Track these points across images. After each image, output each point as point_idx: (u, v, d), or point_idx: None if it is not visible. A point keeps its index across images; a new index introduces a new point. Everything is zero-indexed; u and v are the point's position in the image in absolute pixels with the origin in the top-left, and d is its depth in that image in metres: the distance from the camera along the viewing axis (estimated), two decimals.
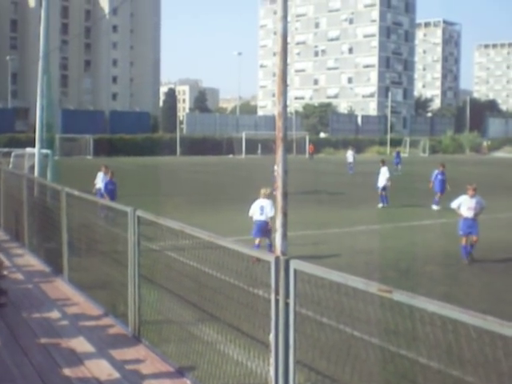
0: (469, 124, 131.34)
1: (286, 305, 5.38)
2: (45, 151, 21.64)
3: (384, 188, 28.97)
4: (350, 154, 54.38)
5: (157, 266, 8.90)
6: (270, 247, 15.27)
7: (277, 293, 5.44)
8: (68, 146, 75.43)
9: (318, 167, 61.32)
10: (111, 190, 21.57)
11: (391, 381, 6.51)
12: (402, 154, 61.04)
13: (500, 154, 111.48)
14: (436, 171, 29.06)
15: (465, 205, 16.83)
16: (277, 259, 5.46)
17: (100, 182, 23.05)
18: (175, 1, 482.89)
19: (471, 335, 4.32)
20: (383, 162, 30.40)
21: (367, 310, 5.20)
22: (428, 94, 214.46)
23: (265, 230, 15.97)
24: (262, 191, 16.36)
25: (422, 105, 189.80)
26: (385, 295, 4.44)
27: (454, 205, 17.18)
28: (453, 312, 4.04)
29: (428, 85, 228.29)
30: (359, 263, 15.57)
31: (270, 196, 15.78)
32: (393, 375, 6.67)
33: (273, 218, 14.99)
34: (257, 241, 15.93)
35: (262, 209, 16.08)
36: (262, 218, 16.05)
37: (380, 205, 28.44)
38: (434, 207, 27.29)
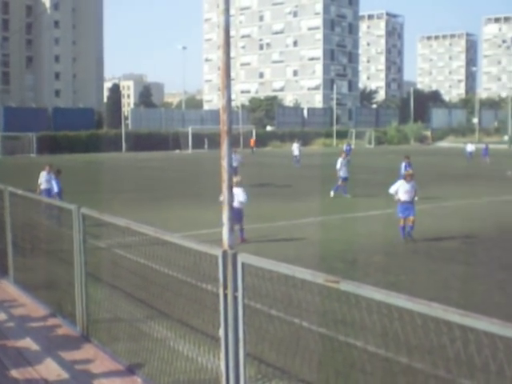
0: (413, 115, 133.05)
1: (235, 298, 5.38)
2: None
3: (346, 178, 29.74)
4: (295, 147, 54.15)
5: (104, 264, 8.82)
6: (242, 233, 17.29)
7: (225, 287, 5.44)
8: (10, 145, 74.20)
9: (264, 160, 61.42)
10: (58, 191, 21.28)
11: (340, 370, 6.56)
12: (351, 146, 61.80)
13: (444, 143, 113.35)
14: (403, 163, 29.24)
15: (402, 189, 18.45)
16: (224, 253, 5.45)
17: (44, 181, 22.33)
18: None
19: (417, 322, 4.38)
20: (345, 154, 31.26)
21: (315, 301, 5.23)
22: (373, 85, 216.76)
23: (238, 216, 16.58)
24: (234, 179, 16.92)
25: (366, 96, 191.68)
26: (332, 285, 4.48)
27: (391, 190, 18.86)
28: (398, 300, 4.09)
29: (372, 77, 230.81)
30: (307, 255, 15.67)
31: (239, 184, 17.55)
32: (342, 365, 6.72)
33: (244, 204, 17.24)
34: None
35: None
36: (236, 205, 16.43)
37: (332, 193, 29.17)
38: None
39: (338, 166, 30.03)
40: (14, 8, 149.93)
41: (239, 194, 17.12)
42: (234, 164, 35.83)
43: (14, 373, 6.97)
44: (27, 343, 8.01)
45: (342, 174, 29.83)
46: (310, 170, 46.17)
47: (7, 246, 11.37)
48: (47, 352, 7.70)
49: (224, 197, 5.78)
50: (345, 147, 56.02)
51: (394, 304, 4.15)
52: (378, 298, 4.24)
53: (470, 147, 62.63)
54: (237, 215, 16.41)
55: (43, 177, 22.52)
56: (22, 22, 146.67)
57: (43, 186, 22.32)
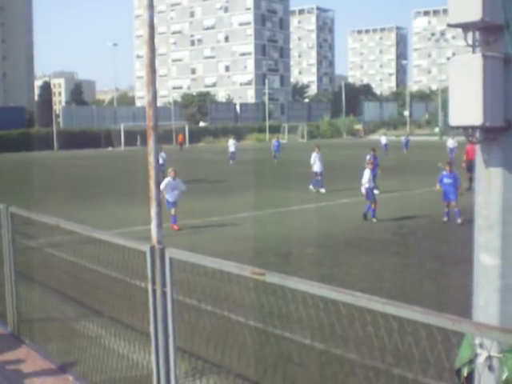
0: (345, 108, 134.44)
1: (164, 294, 5.40)
2: None
3: (321, 173, 29.62)
4: (231, 143, 53.36)
5: (34, 263, 8.74)
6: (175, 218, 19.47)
7: (153, 283, 5.47)
8: None
9: (196, 156, 61.30)
10: None
11: (270, 362, 6.67)
12: (281, 141, 61.62)
13: (376, 136, 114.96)
14: (368, 155, 28.45)
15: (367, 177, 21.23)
16: (152, 248, 5.47)
17: None
18: None
19: (342, 312, 4.49)
20: (318, 148, 31.01)
21: (242, 293, 5.30)
22: (304, 80, 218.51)
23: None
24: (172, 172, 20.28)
25: (298, 91, 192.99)
26: (258, 278, 4.54)
27: (363, 180, 21.31)
28: (322, 290, 4.17)
29: (304, 71, 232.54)
30: (241, 250, 15.76)
31: (177, 175, 20.24)
32: (272, 356, 6.83)
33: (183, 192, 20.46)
34: (172, 211, 19.51)
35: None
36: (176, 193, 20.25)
37: (311, 187, 29.22)
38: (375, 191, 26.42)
39: (312, 160, 30.05)
40: None
41: (180, 184, 20.33)
42: (160, 161, 35.61)
43: None
44: None
45: (316, 168, 29.69)
46: (244, 165, 46.28)
47: None
48: None
49: (151, 192, 5.80)
50: (274, 142, 55.23)
51: (318, 294, 4.22)
52: (303, 289, 4.31)
53: (384, 139, 63.66)
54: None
55: None
56: None
57: None
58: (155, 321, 5.53)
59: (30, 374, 7.13)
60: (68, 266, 7.65)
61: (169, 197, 19.63)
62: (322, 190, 28.74)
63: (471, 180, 29.12)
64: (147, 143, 6.13)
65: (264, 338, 6.87)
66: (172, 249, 5.36)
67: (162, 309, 5.43)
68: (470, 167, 29.82)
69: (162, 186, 19.02)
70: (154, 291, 5.47)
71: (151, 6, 6.11)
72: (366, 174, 21.30)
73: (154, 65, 6.00)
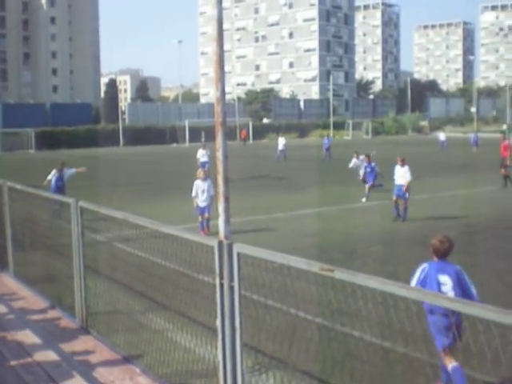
0: (410, 105, 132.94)
1: (231, 288, 5.43)
2: None
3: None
4: (280, 141, 51.69)
5: (103, 257, 8.88)
6: (208, 222, 17.57)
7: (221, 277, 5.49)
8: (9, 141, 74.16)
9: (259, 153, 61.36)
10: (59, 187, 20.71)
11: (337, 359, 6.63)
12: (345, 137, 61.06)
13: (438, 133, 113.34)
14: (364, 163, 26.19)
15: (397, 173, 20.66)
16: (220, 243, 5.50)
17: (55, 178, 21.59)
18: None
19: (411, 309, 4.44)
20: (369, 157, 26.54)
21: (311, 290, 5.29)
22: (369, 76, 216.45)
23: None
24: (202, 174, 18.35)
25: (363, 87, 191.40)
26: (327, 274, 4.52)
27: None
28: (393, 287, 4.13)
29: (369, 67, 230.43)
30: (305, 246, 15.73)
31: (207, 177, 18.13)
32: (338, 353, 6.79)
33: (214, 197, 16.89)
34: (200, 218, 17.82)
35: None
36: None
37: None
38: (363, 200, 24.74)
39: (361, 171, 26.84)
40: (10, 5, 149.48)
41: (210, 188, 17.71)
42: (204, 159, 35.53)
43: (15, 364, 7.04)
44: (27, 335, 8.08)
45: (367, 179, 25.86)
46: (301, 163, 46.15)
47: (7, 241, 11.43)
48: (47, 343, 7.77)
49: (219, 188, 5.83)
50: (324, 140, 53.47)
51: (388, 291, 4.17)
52: (373, 286, 4.27)
53: (442, 136, 62.56)
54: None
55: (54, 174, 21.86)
56: (19, 18, 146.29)
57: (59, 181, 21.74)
58: (222, 315, 5.56)
59: (97, 365, 7.26)
60: (135, 260, 7.75)
61: (199, 201, 17.88)
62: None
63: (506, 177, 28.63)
64: (215, 139, 6.16)
65: (331, 334, 6.85)
66: (240, 244, 5.38)
67: (230, 303, 5.46)
68: (503, 164, 29.30)
69: (193, 192, 17.95)
70: (222, 286, 5.49)
71: (219, 3, 6.14)
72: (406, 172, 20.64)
73: (223, 62, 6.04)
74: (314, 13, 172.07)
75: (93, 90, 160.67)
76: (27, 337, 8.00)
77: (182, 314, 7.16)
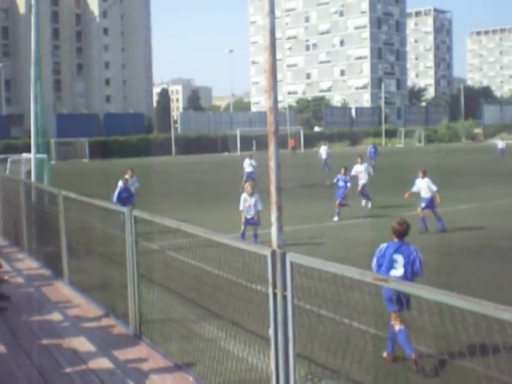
0: (464, 112, 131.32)
1: (284, 298, 5.41)
2: (41, 156, 21.67)
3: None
4: (323, 150, 50.25)
5: (156, 265, 8.94)
6: (256, 238, 16.94)
7: (274, 286, 5.48)
8: (64, 150, 75.40)
9: (310, 161, 61.13)
10: (125, 198, 19.61)
11: (390, 369, 6.56)
12: (397, 145, 60.46)
13: (496, 140, 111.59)
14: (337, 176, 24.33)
15: (418, 186, 20.35)
16: (273, 253, 5.50)
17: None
18: (164, 1, 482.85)
19: (468, 321, 4.36)
20: (361, 158, 27.36)
21: (364, 300, 5.24)
22: (421, 83, 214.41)
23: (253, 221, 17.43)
24: (249, 187, 17.85)
25: (415, 94, 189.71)
26: (380, 284, 4.48)
27: (414, 189, 20.58)
28: (448, 298, 4.07)
29: (421, 74, 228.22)
30: (356, 255, 15.58)
31: (254, 191, 17.60)
32: (392, 364, 6.72)
33: (260, 211, 17.01)
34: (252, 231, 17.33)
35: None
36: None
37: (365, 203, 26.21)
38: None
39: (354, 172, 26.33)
40: (64, 17, 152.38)
41: (257, 203, 17.33)
42: (250, 169, 35.25)
43: (69, 371, 7.13)
44: (82, 342, 8.17)
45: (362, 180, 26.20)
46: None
47: (62, 249, 11.61)
48: (101, 351, 7.85)
49: (272, 197, 5.83)
50: (370, 148, 52.05)
51: (443, 302, 4.11)
52: (427, 296, 4.22)
53: (501, 144, 61.40)
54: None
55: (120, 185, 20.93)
56: (72, 30, 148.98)
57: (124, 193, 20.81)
58: (275, 325, 5.55)
59: (150, 373, 7.31)
60: (188, 269, 7.79)
61: (247, 215, 17.46)
62: (369, 205, 25.87)
63: None
64: (267, 148, 6.17)
65: (384, 345, 6.77)
66: (293, 253, 5.37)
67: (283, 313, 5.44)
68: None
69: (241, 206, 17.53)
70: (275, 295, 5.48)
71: (272, 13, 6.15)
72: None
73: (275, 71, 6.04)
74: (365, 20, 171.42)
75: (145, 99, 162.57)
76: (82, 344, 8.10)
77: (234, 323, 7.17)
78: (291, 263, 5.32)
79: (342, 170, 23.74)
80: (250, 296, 6.44)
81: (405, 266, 8.55)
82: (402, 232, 9.01)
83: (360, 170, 26.46)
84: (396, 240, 8.98)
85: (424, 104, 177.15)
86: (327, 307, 5.55)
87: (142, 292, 8.66)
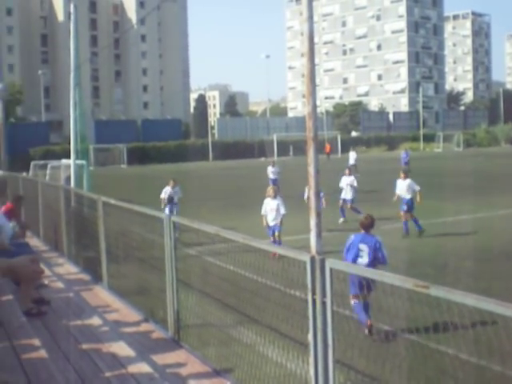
0: (503, 116, 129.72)
1: (323, 304, 5.39)
2: (80, 162, 21.91)
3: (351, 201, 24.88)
4: (351, 156, 49.66)
5: (194, 271, 8.97)
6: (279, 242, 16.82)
7: (313, 292, 5.46)
8: (102, 156, 76.20)
9: (342, 166, 60.73)
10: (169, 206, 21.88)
11: (431, 377, 6.48)
12: (435, 149, 60.01)
13: None
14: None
15: (399, 187, 20.96)
16: (312, 259, 5.48)
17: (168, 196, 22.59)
18: (201, 7, 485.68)
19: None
20: (350, 170, 26.37)
21: (405, 306, 5.20)
22: (460, 87, 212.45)
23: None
24: (271, 191, 17.65)
25: (454, 98, 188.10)
26: (421, 291, 4.44)
27: (397, 190, 21.10)
28: (490, 305, 4.00)
29: (459, 78, 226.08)
30: (396, 260, 15.39)
31: (277, 195, 17.45)
32: (432, 371, 6.64)
33: (285, 216, 17.10)
34: (272, 238, 17.10)
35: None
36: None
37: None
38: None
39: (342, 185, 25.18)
40: (102, 24, 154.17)
41: (280, 206, 17.16)
42: (274, 176, 35.43)
43: (109, 375, 7.18)
44: (121, 347, 8.22)
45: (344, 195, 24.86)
46: (392, 175, 45.46)
47: (101, 254, 11.70)
48: (140, 355, 7.89)
49: (311, 203, 5.81)
50: (402, 154, 51.68)
51: (485, 309, 4.05)
52: (470, 304, 4.15)
53: None
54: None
55: (167, 192, 22.70)
56: (110, 37, 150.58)
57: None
58: (314, 331, 5.52)
59: (189, 378, 7.32)
60: (226, 274, 7.80)
61: (269, 220, 17.19)
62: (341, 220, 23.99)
63: None
64: (305, 153, 6.16)
65: (425, 352, 6.70)
66: (332, 259, 5.35)
67: (322, 319, 5.42)
68: None
69: (263, 210, 17.32)
70: (314, 301, 5.46)
71: (311, 18, 6.14)
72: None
73: (314, 76, 6.02)
74: (402, 24, 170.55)
75: (182, 105, 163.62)
76: (121, 349, 8.14)
77: (272, 328, 7.15)
78: (330, 269, 5.30)
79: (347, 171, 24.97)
80: (288, 301, 6.43)
81: (369, 254, 10.32)
82: (367, 224, 10.87)
83: (347, 183, 25.06)
84: (362, 232, 10.79)
85: (462, 108, 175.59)
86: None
87: (181, 297, 8.69)
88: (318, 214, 5.89)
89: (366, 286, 6.52)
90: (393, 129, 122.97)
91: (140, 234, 10.40)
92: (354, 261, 9.98)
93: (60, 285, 12.17)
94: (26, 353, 7.41)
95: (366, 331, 8.73)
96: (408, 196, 20.37)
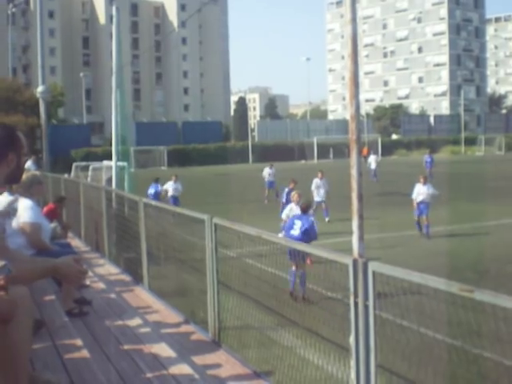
0: None
1: (366, 307, 5.35)
2: (121, 164, 22.10)
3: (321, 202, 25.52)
4: (372, 159, 48.55)
5: (234, 272, 8.98)
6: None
7: (355, 295, 5.43)
8: (143, 158, 76.73)
9: (387, 169, 60.47)
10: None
11: (474, 383, 6.41)
12: (477, 153, 59.32)
13: None
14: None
15: (417, 192, 21.53)
16: (355, 261, 5.44)
17: (171, 189, 26.58)
18: (242, 10, 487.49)
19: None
20: (322, 173, 26.61)
21: (448, 310, 5.14)
22: (502, 90, 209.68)
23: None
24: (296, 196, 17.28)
25: (495, 102, 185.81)
26: (466, 295, 4.38)
27: (414, 195, 21.71)
28: None
29: (501, 81, 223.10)
30: (438, 265, 15.35)
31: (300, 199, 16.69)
32: (476, 377, 6.56)
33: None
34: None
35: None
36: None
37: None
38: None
39: (313, 187, 25.91)
40: (143, 27, 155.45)
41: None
42: (271, 179, 34.74)
43: (150, 376, 7.21)
44: (162, 348, 8.24)
45: (316, 197, 25.58)
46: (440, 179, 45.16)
47: (142, 255, 11.77)
48: (180, 356, 7.90)
49: (353, 205, 5.78)
50: (426, 158, 51.03)
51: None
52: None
53: None
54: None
55: (170, 185, 26.94)
56: (151, 40, 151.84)
57: (170, 193, 26.63)
58: (356, 334, 5.49)
59: (229, 379, 7.32)
60: (267, 276, 7.80)
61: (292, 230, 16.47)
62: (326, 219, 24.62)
63: None
64: (345, 156, 6.13)
65: (469, 358, 6.62)
66: (375, 262, 5.31)
67: (364, 323, 5.38)
68: None
69: (284, 215, 16.80)
70: (356, 304, 5.43)
71: (354, 21, 6.10)
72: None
73: (357, 79, 5.99)
74: (443, 27, 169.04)
75: (223, 108, 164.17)
76: (162, 350, 8.17)
77: (312, 331, 7.13)
78: (373, 272, 5.26)
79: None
80: (329, 304, 6.40)
81: (300, 228, 13.26)
82: (304, 208, 14.59)
83: (319, 185, 25.60)
84: (301, 213, 14.33)
85: (504, 111, 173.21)
86: (410, 317, 5.46)
87: (221, 299, 8.70)
88: (361, 217, 5.85)
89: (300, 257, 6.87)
90: (434, 132, 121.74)
91: (180, 236, 10.45)
92: (288, 231, 13.43)
93: (101, 285, 12.26)
94: (69, 352, 7.48)
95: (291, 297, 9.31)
96: (427, 200, 21.11)
